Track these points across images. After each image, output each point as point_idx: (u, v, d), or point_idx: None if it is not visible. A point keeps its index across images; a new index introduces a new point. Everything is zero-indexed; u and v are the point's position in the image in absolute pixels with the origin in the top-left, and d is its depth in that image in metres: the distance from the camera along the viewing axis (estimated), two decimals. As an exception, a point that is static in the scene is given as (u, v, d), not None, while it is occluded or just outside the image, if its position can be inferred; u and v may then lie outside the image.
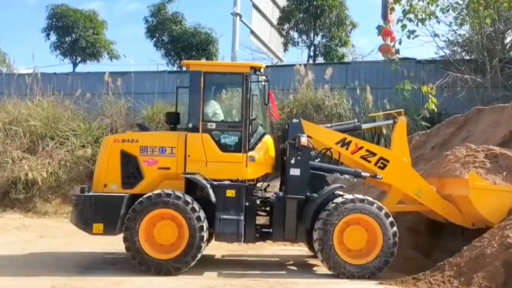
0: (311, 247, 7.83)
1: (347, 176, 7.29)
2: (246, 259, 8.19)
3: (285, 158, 7.30)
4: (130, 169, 7.09)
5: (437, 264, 6.29)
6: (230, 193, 6.78)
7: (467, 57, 14.88)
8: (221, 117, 7.35)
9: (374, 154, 7.20)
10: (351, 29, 19.19)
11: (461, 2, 13.68)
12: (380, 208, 6.70)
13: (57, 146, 14.50)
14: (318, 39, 19.26)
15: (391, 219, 6.69)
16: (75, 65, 21.44)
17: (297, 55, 41.49)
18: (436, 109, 12.68)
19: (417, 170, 9.29)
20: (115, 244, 8.50)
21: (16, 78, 16.87)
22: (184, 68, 20.10)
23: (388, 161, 7.18)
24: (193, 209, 6.58)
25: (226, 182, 6.88)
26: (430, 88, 12.40)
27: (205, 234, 6.63)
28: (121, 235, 6.89)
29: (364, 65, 16.74)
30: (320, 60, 19.37)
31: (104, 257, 7.91)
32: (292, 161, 6.95)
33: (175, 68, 20.27)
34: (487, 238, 6.20)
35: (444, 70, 13.85)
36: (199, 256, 6.66)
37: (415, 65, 15.08)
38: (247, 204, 6.86)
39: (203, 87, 7.03)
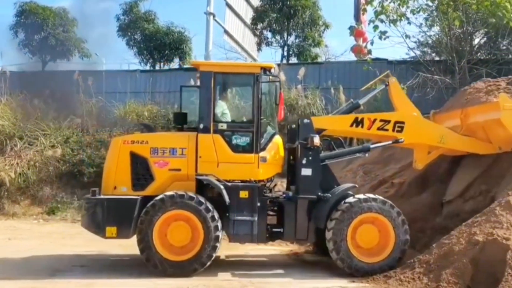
0: (318, 247, 7.90)
1: (358, 154, 7.36)
2: (224, 259, 8.17)
3: (291, 157, 7.32)
4: (140, 171, 6.95)
5: (407, 262, 6.40)
6: (244, 194, 6.76)
7: (437, 58, 15.22)
8: (229, 117, 7.30)
9: (388, 122, 7.23)
10: (324, 30, 19.36)
11: (431, 4, 13.96)
12: (398, 214, 6.72)
13: (25, 146, 14.12)
14: (291, 39, 19.36)
15: (406, 226, 6.72)
16: (44, 63, 20.95)
17: (271, 55, 41.47)
18: (406, 109, 12.90)
19: (388, 169, 9.52)
20: (85, 246, 8.36)
21: (-18, 77, 16.36)
22: (157, 67, 20.07)
23: (403, 123, 7.23)
24: (208, 210, 6.54)
25: (239, 183, 6.87)
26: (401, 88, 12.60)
27: (220, 234, 6.60)
28: (92, 235, 6.78)
29: (337, 65, 16.93)
30: (294, 60, 19.47)
31: (75, 259, 7.74)
32: (304, 161, 6.94)
33: (147, 67, 20.04)
34: (455, 236, 6.33)
35: (414, 71, 14.11)
36: (214, 256, 6.62)
37: (386, 65, 15.29)
38: (259, 204, 6.84)
39: (213, 87, 6.98)
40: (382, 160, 9.93)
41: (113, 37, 20.67)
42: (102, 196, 6.90)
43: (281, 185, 8.63)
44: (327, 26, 19.26)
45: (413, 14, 13.76)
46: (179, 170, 6.94)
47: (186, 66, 18.82)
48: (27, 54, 20.82)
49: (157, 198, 6.58)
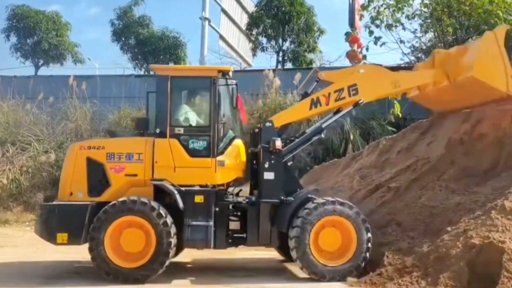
0: (282, 251, 7.79)
1: (314, 137, 7.35)
2: (214, 263, 8.12)
3: (254, 162, 7.26)
4: (97, 177, 6.87)
5: (405, 266, 6.38)
6: (199, 198, 6.67)
7: (431, 64, 15.31)
8: (191, 121, 7.21)
9: (342, 89, 7.27)
10: (319, 35, 19.47)
11: (425, 10, 14.10)
12: (358, 214, 6.74)
13: (18, 152, 14.05)
14: (286, 44, 19.46)
15: (367, 224, 6.74)
16: (37, 68, 20.85)
17: (266, 60, 41.74)
18: (400, 114, 12.97)
19: (384, 174, 9.51)
20: (80, 252, 8.23)
21: (-26, 81, 16.28)
22: (152, 73, 20.02)
23: (355, 84, 7.29)
24: (159, 215, 6.44)
25: (194, 188, 6.78)
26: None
27: (173, 240, 6.50)
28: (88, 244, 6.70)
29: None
30: (289, 65, 19.55)
31: (69, 267, 7.65)
32: (266, 165, 6.90)
33: (142, 72, 20.03)
34: (451, 239, 6.35)
35: (409, 76, 14.16)
36: (167, 262, 6.51)
37: (380, 71, 15.34)
38: (217, 209, 6.78)
39: (170, 91, 6.93)
40: (379, 165, 9.94)
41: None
42: (54, 203, 6.87)
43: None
44: (322, 32, 19.39)
45: (408, 19, 13.90)
46: (136, 175, 6.85)
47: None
48: (19, 59, 20.74)
49: (108, 205, 6.50)
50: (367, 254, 6.70)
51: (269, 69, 15.67)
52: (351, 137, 13.86)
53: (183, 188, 6.70)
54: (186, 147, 6.88)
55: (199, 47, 16.54)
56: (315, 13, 19.08)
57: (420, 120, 10.80)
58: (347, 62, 18.89)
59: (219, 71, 7.10)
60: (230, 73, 7.19)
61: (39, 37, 20.06)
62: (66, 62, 21.09)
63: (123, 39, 19.95)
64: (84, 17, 50.24)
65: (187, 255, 8.17)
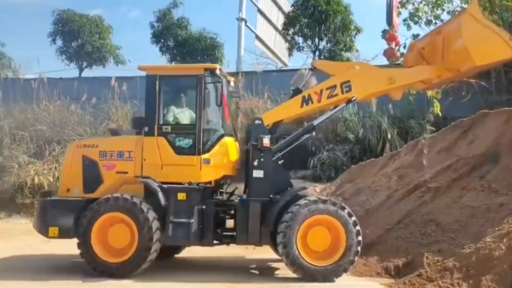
0: (276, 250, 7.78)
1: (305, 135, 7.28)
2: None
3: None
4: (91, 174, 7.17)
5: (444, 267, 6.28)
6: (181, 196, 6.76)
7: (472, 61, 14.87)
8: (178, 120, 7.29)
9: (335, 86, 7.20)
10: (356, 34, 19.26)
11: (465, 6, 13.70)
12: (350, 215, 6.63)
13: (63, 151, 14.53)
14: (323, 44, 19.34)
15: (358, 227, 6.61)
16: (81, 70, 21.59)
17: (302, 60, 41.49)
18: (440, 113, 12.69)
19: (423, 173, 9.37)
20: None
21: (22, 83, 17.04)
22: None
23: (349, 81, 7.20)
24: (141, 210, 6.61)
25: (177, 185, 6.84)
26: (436, 92, 12.40)
27: (155, 235, 6.62)
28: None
29: (369, 70, 16.72)
30: (325, 65, 19.37)
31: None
32: (255, 163, 6.90)
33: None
34: (494, 241, 6.21)
35: (449, 74, 13.83)
36: (150, 257, 6.63)
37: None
38: (203, 207, 6.84)
39: (158, 91, 7.09)
40: (418, 164, 9.79)
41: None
42: (49, 198, 7.21)
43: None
44: (358, 31, 19.16)
45: (450, 16, 13.53)
46: (126, 173, 7.07)
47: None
48: (64, 61, 21.51)
49: (94, 203, 6.75)
50: (355, 258, 6.59)
51: (305, 69, 15.61)
52: (389, 136, 13.68)
53: (166, 186, 6.82)
54: (173, 145, 7.02)
55: (236, 47, 16.73)
56: (351, 11, 18.91)
57: (461, 119, 10.56)
58: (384, 61, 18.62)
59: (206, 69, 7.18)
60: (218, 71, 7.20)
61: (83, 40, 20.72)
62: (108, 64, 21.73)
63: (162, 40, 20.35)
64: (125, 20, 51.53)
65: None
